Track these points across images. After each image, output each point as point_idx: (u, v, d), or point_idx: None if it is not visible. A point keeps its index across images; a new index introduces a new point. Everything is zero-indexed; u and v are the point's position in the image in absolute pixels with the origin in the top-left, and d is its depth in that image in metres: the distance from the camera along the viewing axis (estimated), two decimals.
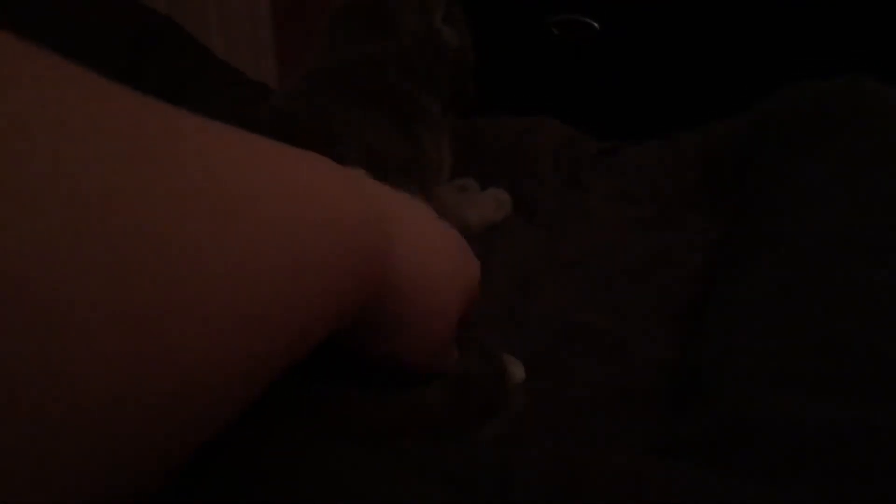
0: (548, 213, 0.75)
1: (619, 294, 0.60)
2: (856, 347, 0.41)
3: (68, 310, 0.14)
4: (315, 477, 0.29)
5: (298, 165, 0.25)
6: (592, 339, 0.54)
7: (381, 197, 0.31)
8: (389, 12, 0.69)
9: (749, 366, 0.44)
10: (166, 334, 0.16)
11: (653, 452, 0.42)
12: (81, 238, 0.14)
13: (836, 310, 0.44)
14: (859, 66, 0.68)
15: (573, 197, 0.77)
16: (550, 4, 1.29)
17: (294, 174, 0.24)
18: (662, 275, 0.62)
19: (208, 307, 0.17)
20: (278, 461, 0.29)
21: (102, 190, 0.15)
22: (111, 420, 0.15)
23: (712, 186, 0.73)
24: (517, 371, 0.47)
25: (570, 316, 0.58)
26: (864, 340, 0.41)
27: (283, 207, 0.22)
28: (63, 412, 0.14)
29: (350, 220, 0.26)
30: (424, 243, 0.33)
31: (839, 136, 0.59)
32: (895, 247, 0.47)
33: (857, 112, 0.61)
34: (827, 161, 0.58)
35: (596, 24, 1.26)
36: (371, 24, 0.69)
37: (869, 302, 0.44)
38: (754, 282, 0.51)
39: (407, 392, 0.36)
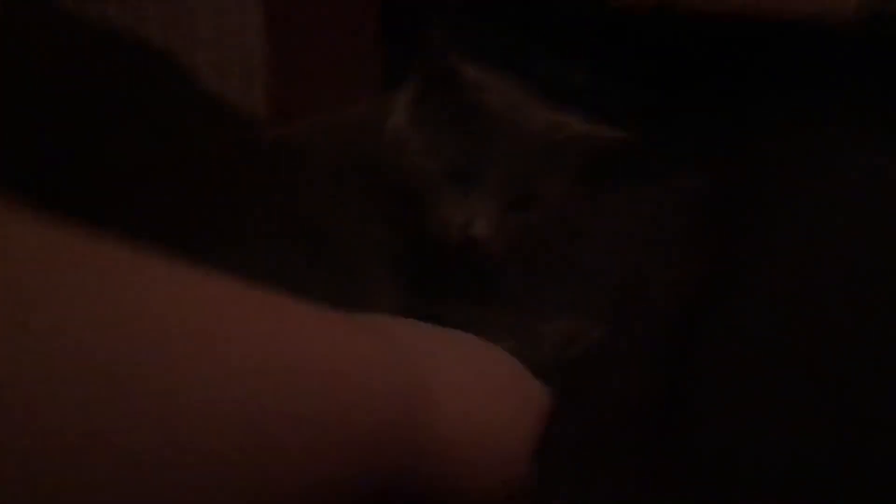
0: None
1: (607, 324, 0.61)
2: (838, 378, 0.42)
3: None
4: None
5: (322, 335, 0.23)
6: (580, 367, 0.55)
7: (420, 352, 0.29)
8: None
9: (735, 394, 0.44)
10: None
11: (640, 478, 0.42)
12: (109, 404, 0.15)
13: (820, 341, 0.45)
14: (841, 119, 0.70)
15: (563, 235, 0.77)
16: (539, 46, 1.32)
17: (319, 346, 0.23)
18: (652, 306, 0.62)
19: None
20: None
21: (123, 364, 0.15)
22: None
23: (701, 228, 0.74)
24: None
25: None
26: (846, 370, 0.42)
27: (304, 384, 0.21)
28: None
29: (377, 392, 0.24)
30: (477, 396, 0.30)
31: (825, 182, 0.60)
32: (879, 285, 0.47)
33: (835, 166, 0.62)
34: (812, 205, 0.59)
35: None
36: None
37: (852, 334, 0.45)
38: (741, 313, 0.52)
39: None
